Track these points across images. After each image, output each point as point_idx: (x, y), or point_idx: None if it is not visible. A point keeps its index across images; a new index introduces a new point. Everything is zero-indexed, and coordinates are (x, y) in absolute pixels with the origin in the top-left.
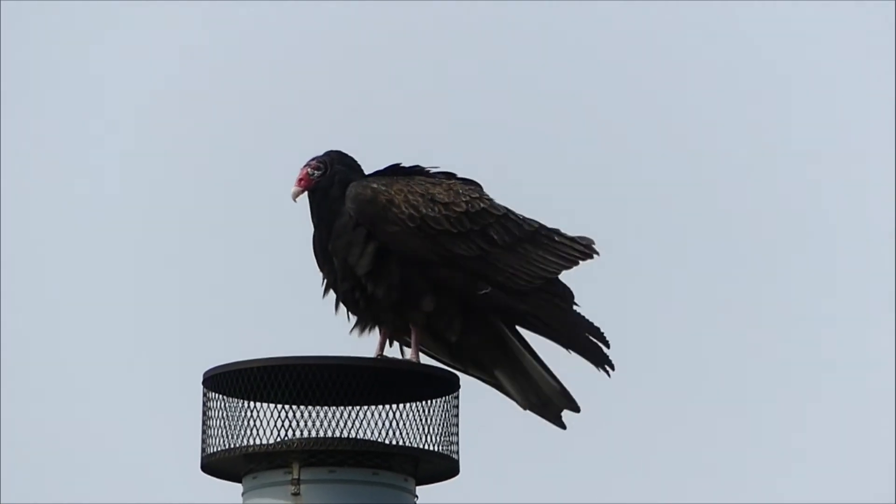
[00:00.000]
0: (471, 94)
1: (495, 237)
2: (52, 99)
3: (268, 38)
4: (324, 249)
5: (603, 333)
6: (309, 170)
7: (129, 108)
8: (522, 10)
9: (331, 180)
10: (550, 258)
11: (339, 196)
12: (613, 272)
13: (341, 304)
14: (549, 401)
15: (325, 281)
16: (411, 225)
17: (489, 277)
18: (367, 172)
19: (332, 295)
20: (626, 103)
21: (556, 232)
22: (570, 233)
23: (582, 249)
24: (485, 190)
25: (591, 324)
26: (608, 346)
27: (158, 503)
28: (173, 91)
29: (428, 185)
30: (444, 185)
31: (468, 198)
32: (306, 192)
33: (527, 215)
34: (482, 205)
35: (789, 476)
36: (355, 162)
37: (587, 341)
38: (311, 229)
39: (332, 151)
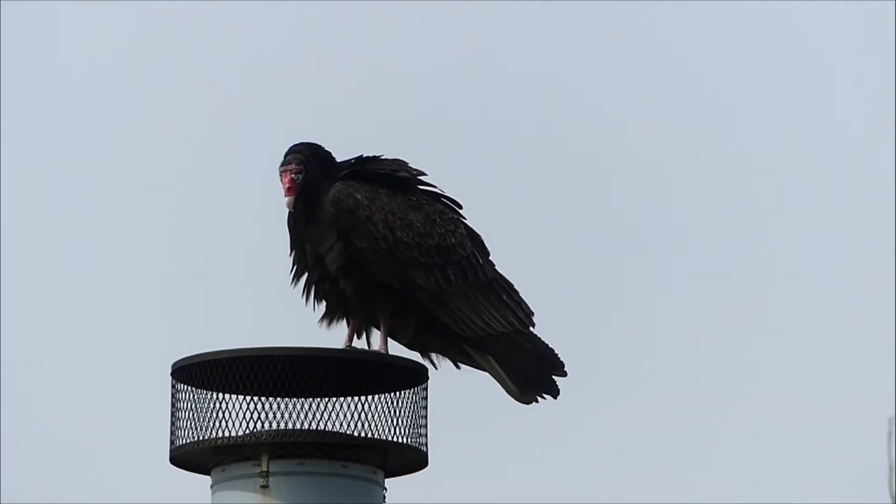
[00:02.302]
0: (455, 89)
1: (451, 276)
2: (29, 93)
3: (244, 34)
4: (299, 233)
5: (558, 356)
6: (292, 175)
7: (104, 106)
8: (513, 7)
9: (315, 176)
10: (495, 314)
11: (324, 189)
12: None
13: (310, 293)
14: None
15: (296, 267)
16: (383, 246)
17: (440, 316)
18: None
19: (301, 284)
20: (618, 101)
21: (508, 290)
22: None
23: (522, 319)
24: (464, 209)
25: (547, 346)
26: (563, 367)
27: (127, 496)
28: (143, 90)
29: (409, 208)
30: (423, 211)
31: (443, 230)
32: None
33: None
34: (453, 240)
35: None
36: (322, 149)
37: (534, 373)
38: (281, 222)
39: (300, 147)
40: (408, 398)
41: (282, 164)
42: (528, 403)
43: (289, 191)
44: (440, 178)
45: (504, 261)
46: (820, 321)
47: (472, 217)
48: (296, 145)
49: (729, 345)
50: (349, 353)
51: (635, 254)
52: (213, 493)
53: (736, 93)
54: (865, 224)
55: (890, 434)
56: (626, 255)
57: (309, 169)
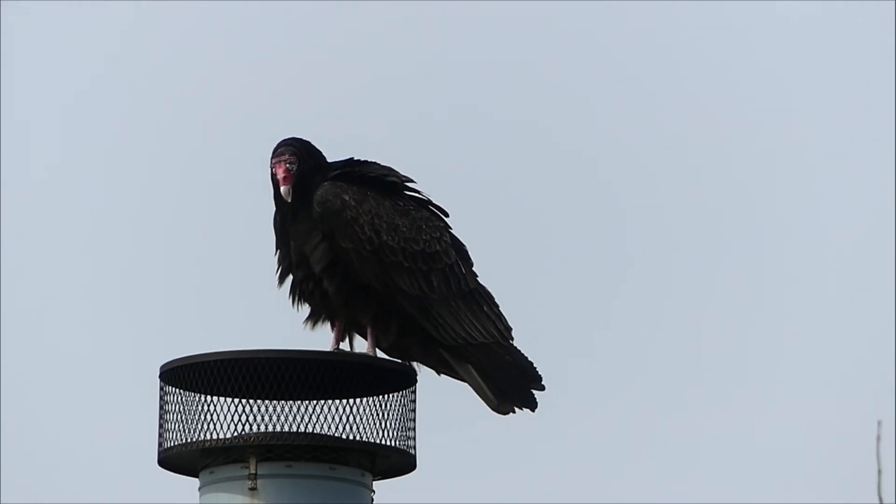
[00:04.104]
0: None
1: (434, 283)
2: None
3: (238, 34)
4: (285, 230)
5: (536, 370)
6: (287, 165)
7: (97, 103)
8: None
9: (307, 169)
10: (476, 324)
11: (312, 184)
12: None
13: (296, 294)
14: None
15: (280, 267)
16: (368, 248)
17: (421, 322)
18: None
19: (287, 286)
20: (612, 100)
21: (488, 301)
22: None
23: (501, 331)
24: (450, 217)
25: (526, 359)
26: (541, 381)
27: (115, 498)
28: (130, 98)
29: (396, 212)
30: (410, 216)
31: (428, 237)
32: (272, 178)
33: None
34: (437, 247)
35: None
36: (311, 145)
37: (513, 384)
38: (267, 223)
39: (290, 140)
40: (396, 401)
41: (275, 156)
42: (505, 414)
43: (285, 180)
44: (425, 185)
45: (485, 273)
46: (809, 324)
47: (456, 226)
48: (286, 139)
49: (716, 349)
50: (337, 355)
51: (620, 261)
52: (201, 496)
53: (732, 94)
54: (860, 228)
55: (878, 437)
56: (611, 264)
57: (301, 161)
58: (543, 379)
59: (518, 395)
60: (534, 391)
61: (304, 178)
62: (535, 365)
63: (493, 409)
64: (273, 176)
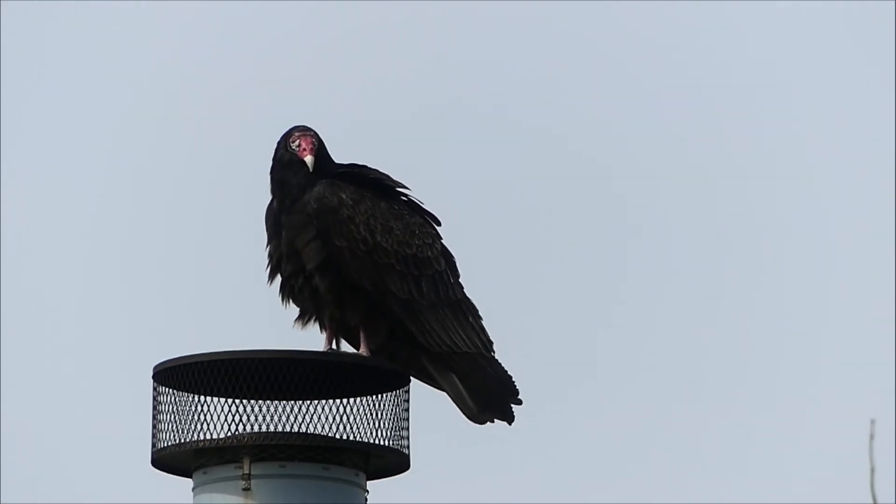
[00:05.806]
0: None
1: (424, 289)
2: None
3: (233, 35)
4: (278, 220)
5: (514, 383)
6: (313, 140)
7: (94, 102)
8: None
9: (322, 156)
10: (461, 333)
11: (310, 184)
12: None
13: (286, 294)
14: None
15: (270, 263)
16: (363, 247)
17: (408, 325)
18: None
19: (277, 283)
20: (610, 102)
21: (473, 313)
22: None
23: (485, 343)
24: (442, 226)
25: (505, 372)
26: (518, 395)
27: (108, 498)
28: (124, 103)
29: (391, 215)
30: (404, 220)
31: (421, 242)
32: (278, 161)
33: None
34: (429, 254)
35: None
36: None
37: (493, 395)
38: (260, 221)
39: (306, 128)
40: (390, 401)
41: (299, 130)
42: (482, 424)
43: (310, 151)
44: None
45: (470, 285)
46: (804, 324)
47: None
48: (304, 127)
49: (710, 351)
50: (331, 355)
51: (611, 270)
52: (194, 496)
53: (732, 94)
54: (860, 228)
55: (872, 435)
56: (603, 272)
57: (321, 147)
58: (520, 393)
59: (497, 406)
60: (511, 405)
61: (318, 164)
62: (513, 379)
63: (470, 419)
64: (282, 156)
